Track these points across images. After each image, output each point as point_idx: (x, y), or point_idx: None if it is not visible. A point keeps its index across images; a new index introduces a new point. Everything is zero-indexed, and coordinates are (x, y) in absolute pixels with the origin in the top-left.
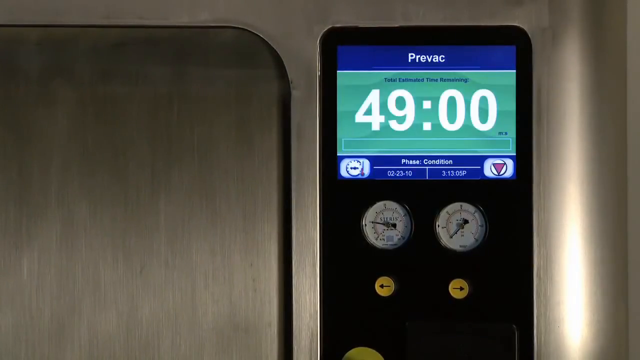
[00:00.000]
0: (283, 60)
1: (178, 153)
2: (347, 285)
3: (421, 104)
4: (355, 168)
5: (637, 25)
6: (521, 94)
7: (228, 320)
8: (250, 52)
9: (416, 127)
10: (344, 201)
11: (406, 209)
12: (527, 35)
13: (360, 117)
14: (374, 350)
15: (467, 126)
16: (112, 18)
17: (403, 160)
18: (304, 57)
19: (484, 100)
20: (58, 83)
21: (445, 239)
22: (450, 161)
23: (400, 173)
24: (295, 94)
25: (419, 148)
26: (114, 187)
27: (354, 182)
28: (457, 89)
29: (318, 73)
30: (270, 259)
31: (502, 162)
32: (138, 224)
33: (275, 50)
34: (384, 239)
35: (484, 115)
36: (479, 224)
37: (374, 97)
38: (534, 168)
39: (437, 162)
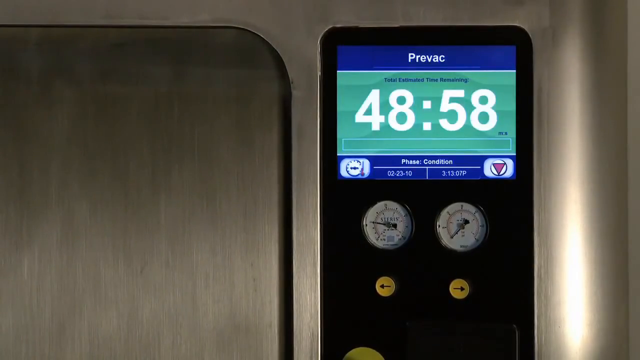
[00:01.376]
0: (283, 60)
1: (178, 153)
2: (348, 286)
3: (421, 104)
4: (355, 168)
5: (637, 25)
6: (521, 94)
7: (228, 321)
8: (251, 52)
9: (416, 127)
10: (344, 201)
11: (407, 209)
12: (528, 35)
13: (360, 117)
14: (375, 351)
15: (467, 126)
16: (112, 18)
17: (403, 160)
18: (304, 57)
19: (484, 100)
20: (58, 83)
21: (445, 239)
22: (451, 161)
23: (400, 173)
24: (295, 94)
25: (419, 148)
26: (114, 187)
27: (354, 182)
28: (457, 89)
29: (318, 73)
30: (270, 259)
31: (502, 162)
32: (138, 224)
33: (275, 50)
34: (384, 239)
35: (484, 115)
36: (480, 224)
37: (374, 97)
38: (534, 168)
39: (437, 162)
